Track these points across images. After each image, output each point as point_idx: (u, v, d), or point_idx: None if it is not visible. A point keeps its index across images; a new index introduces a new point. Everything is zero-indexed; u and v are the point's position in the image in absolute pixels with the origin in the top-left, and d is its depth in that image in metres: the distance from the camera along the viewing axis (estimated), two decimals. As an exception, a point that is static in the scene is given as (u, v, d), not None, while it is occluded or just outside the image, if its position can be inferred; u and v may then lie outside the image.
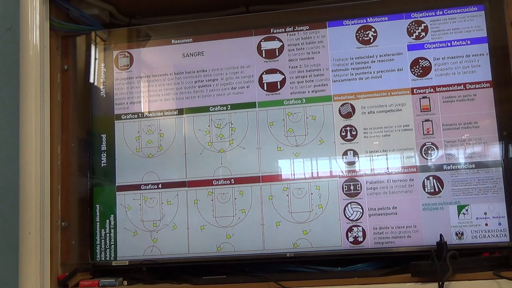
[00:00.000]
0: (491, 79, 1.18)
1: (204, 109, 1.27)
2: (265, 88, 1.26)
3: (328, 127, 1.22)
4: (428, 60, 1.21)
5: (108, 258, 1.26)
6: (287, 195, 1.21)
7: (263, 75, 1.26)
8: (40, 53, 1.22)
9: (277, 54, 1.27)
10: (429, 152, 1.18)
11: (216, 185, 1.24)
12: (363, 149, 1.20)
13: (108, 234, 1.27)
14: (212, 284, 1.18)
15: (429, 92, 1.20)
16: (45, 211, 1.19)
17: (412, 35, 1.22)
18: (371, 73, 1.23)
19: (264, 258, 1.20)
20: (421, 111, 1.20)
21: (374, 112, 1.21)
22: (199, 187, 1.25)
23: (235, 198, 1.23)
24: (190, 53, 1.30)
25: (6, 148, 1.41)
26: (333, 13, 1.26)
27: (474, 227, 1.15)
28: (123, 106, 1.31)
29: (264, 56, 1.27)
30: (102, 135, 1.30)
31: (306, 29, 1.26)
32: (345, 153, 1.21)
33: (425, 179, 1.18)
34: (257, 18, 1.30)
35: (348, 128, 1.22)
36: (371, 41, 1.24)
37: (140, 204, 1.27)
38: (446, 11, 1.22)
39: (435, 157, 1.18)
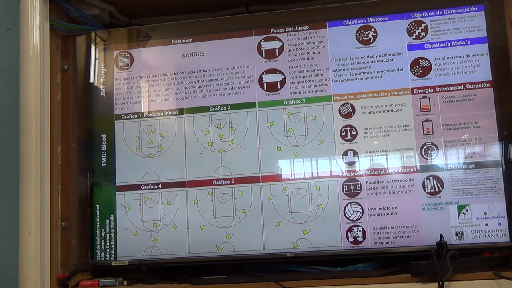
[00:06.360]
0: (491, 79, 1.18)
1: (204, 109, 1.27)
2: (265, 88, 1.26)
3: (328, 127, 1.22)
4: (428, 60, 1.21)
5: (108, 258, 1.26)
6: (287, 195, 1.21)
7: (263, 75, 1.26)
8: (40, 53, 1.22)
9: (277, 54, 1.27)
10: (429, 152, 1.18)
11: (216, 185, 1.24)
12: (363, 149, 1.20)
13: (108, 234, 1.27)
14: (212, 284, 1.18)
15: (429, 92, 1.20)
16: (45, 211, 1.19)
17: (412, 35, 1.22)
18: (371, 73, 1.22)
19: (264, 258, 1.20)
20: (421, 111, 1.20)
21: (374, 112, 1.21)
22: (199, 187, 1.25)
23: (235, 198, 1.23)
24: (190, 53, 1.30)
25: (6, 148, 1.41)
26: (333, 13, 1.26)
27: (474, 227, 1.15)
28: (123, 106, 1.31)
29: (264, 56, 1.27)
30: (102, 135, 1.30)
31: (306, 29, 1.26)
32: (345, 153, 1.21)
33: (425, 179, 1.18)
34: (257, 18, 1.30)
35: (348, 128, 1.22)
36: (371, 41, 1.23)
37: (140, 204, 1.27)
38: (446, 11, 1.22)
39: (435, 157, 1.18)
